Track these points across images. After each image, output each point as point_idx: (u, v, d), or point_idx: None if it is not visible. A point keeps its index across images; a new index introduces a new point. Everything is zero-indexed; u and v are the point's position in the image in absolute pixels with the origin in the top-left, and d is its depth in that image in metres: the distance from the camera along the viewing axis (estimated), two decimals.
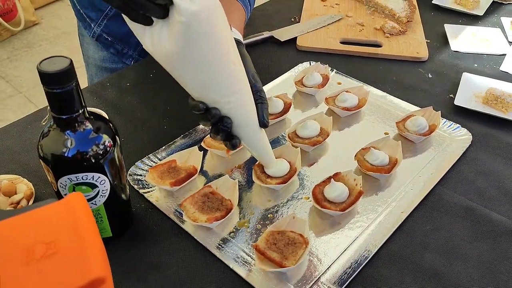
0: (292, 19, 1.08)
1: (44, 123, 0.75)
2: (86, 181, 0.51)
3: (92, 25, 1.03)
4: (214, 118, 0.56)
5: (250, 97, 0.60)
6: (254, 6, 1.14)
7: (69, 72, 0.46)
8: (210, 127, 0.59)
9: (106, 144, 0.52)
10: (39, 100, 2.26)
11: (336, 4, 1.14)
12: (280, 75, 0.89)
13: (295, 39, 0.99)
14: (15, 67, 2.48)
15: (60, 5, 3.06)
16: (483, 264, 0.58)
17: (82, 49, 1.14)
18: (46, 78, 0.46)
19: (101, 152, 0.51)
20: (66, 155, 0.50)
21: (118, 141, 0.54)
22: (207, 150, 0.71)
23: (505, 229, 0.62)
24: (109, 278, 0.32)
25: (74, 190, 0.51)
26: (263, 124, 0.61)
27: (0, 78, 2.40)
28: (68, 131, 0.50)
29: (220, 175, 0.67)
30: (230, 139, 0.59)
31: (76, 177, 0.51)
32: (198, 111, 0.56)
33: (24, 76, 2.43)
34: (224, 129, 0.57)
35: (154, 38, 0.52)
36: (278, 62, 0.94)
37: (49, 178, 0.53)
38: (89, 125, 0.51)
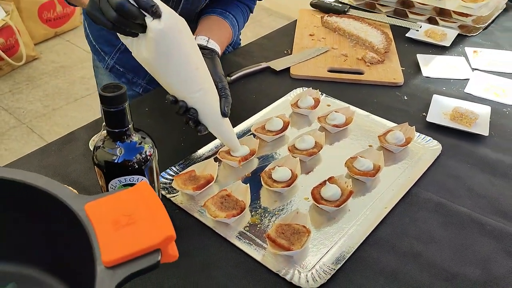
0: (285, 52, 1.23)
1: (94, 139, 0.88)
2: (131, 182, 0.64)
3: (106, 58, 1.17)
4: (181, 109, 0.74)
5: (213, 93, 0.77)
6: (253, 41, 1.30)
7: (123, 96, 0.59)
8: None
9: (147, 153, 0.64)
10: (42, 130, 2.37)
11: (323, 38, 1.30)
12: (278, 99, 1.03)
13: (289, 68, 1.14)
14: (17, 100, 2.60)
15: (57, 40, 3.21)
16: (453, 246, 0.72)
17: (97, 79, 1.27)
18: (106, 100, 0.59)
19: (143, 160, 0.64)
20: (116, 161, 0.63)
21: (156, 152, 0.67)
22: (221, 161, 0.84)
23: (469, 219, 0.76)
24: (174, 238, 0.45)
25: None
26: (223, 113, 0.78)
27: (3, 110, 2.51)
28: (118, 142, 0.63)
29: (233, 183, 0.80)
30: (196, 126, 0.77)
31: (124, 179, 0.63)
32: (169, 103, 0.74)
33: (26, 107, 2.54)
34: (190, 117, 0.76)
35: (136, 48, 0.70)
36: (275, 88, 1.08)
37: (100, 182, 0.65)
38: (134, 138, 0.64)
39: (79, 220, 0.46)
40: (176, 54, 0.69)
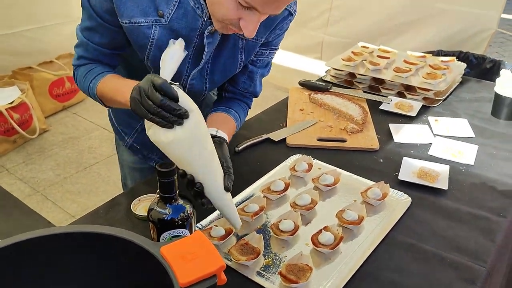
0: (281, 124, 1.49)
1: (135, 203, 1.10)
2: (178, 234, 0.85)
3: (126, 138, 1.39)
4: (189, 182, 0.89)
5: (219, 171, 0.92)
6: (254, 116, 1.55)
7: (173, 171, 0.82)
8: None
9: (188, 212, 0.86)
10: (56, 197, 2.57)
11: (311, 112, 1.56)
12: (278, 164, 1.27)
13: (285, 139, 1.39)
14: (30, 170, 2.81)
15: (65, 113, 3.47)
16: (422, 276, 0.93)
17: (118, 154, 1.49)
18: (161, 174, 0.82)
19: (185, 217, 0.86)
20: (166, 219, 0.84)
21: (194, 211, 0.89)
22: None
23: (434, 255, 0.98)
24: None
25: (171, 240, 0.85)
26: (226, 188, 0.92)
27: (18, 180, 2.71)
28: (168, 204, 0.85)
29: (248, 233, 1.02)
30: (201, 199, 0.91)
31: (172, 232, 0.85)
32: (179, 176, 0.87)
33: (39, 177, 2.75)
34: (196, 191, 0.90)
35: (153, 130, 0.86)
36: (275, 156, 1.32)
37: (152, 234, 0.87)
38: (180, 201, 0.86)
39: (157, 259, 0.67)
40: (193, 143, 0.86)
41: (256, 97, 1.29)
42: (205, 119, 1.11)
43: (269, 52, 1.19)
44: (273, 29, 1.11)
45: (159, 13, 0.99)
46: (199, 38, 1.04)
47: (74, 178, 2.75)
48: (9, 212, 1.12)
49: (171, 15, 1.00)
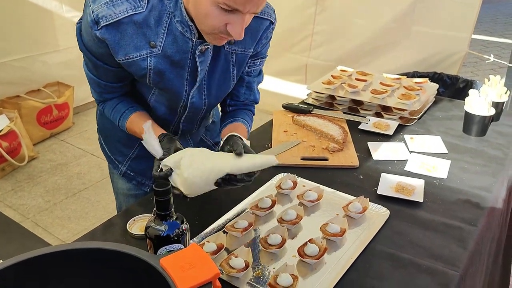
0: (266, 145, 1.57)
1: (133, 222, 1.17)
2: (173, 249, 0.92)
3: (120, 166, 1.45)
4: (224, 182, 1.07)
5: (229, 158, 1.08)
6: None
7: (169, 190, 0.89)
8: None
9: (182, 229, 0.93)
10: (46, 223, 2.59)
11: (294, 133, 1.65)
12: (265, 183, 1.35)
13: None
14: (19, 197, 2.83)
15: (53, 140, 3.51)
16: (400, 282, 1.01)
17: (113, 182, 1.54)
18: (157, 193, 0.89)
19: (180, 233, 0.92)
20: (162, 235, 0.91)
21: (188, 227, 0.95)
22: (227, 232, 1.12)
23: (411, 262, 1.06)
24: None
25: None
26: (238, 154, 1.08)
27: (8, 207, 2.73)
28: (163, 221, 0.91)
29: (238, 248, 1.08)
30: (237, 182, 1.08)
31: (169, 247, 0.91)
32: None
33: (29, 204, 2.77)
34: (229, 180, 1.07)
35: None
36: (261, 175, 1.38)
37: (149, 250, 0.93)
38: (174, 218, 0.93)
39: (157, 270, 0.74)
40: (193, 180, 1.05)
41: (257, 103, 1.39)
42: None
43: (260, 61, 1.30)
44: (259, 40, 1.22)
45: (151, 45, 1.08)
46: (192, 58, 1.13)
47: (63, 204, 2.78)
48: (9, 236, 1.17)
49: (162, 43, 1.08)
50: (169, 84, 1.15)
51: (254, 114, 1.39)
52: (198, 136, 1.47)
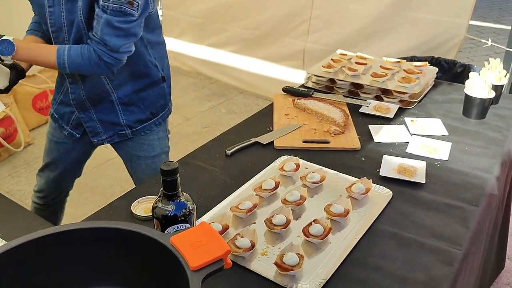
0: (268, 129, 1.57)
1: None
2: (180, 229, 0.92)
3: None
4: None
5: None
6: (242, 121, 1.63)
7: (176, 170, 0.89)
8: None
9: (190, 209, 0.93)
10: None
11: (296, 116, 1.65)
12: (267, 166, 1.35)
13: (273, 142, 1.47)
14: (16, 183, 2.82)
15: None
16: (403, 260, 1.02)
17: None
18: (165, 172, 0.89)
19: (187, 213, 0.93)
20: (169, 215, 0.91)
21: (195, 207, 0.95)
22: (233, 213, 1.13)
23: (414, 241, 1.07)
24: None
25: None
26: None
27: (5, 192, 2.71)
28: (171, 201, 0.92)
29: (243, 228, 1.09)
30: None
31: (176, 226, 0.91)
32: None
33: (25, 189, 2.75)
34: None
35: None
36: (264, 158, 1.40)
37: (157, 230, 0.93)
38: (182, 198, 0.93)
39: (167, 247, 0.74)
40: None
41: (106, 46, 1.33)
42: None
43: None
44: None
45: None
46: None
47: None
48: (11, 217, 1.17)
49: None
50: None
51: (100, 58, 1.34)
52: None
